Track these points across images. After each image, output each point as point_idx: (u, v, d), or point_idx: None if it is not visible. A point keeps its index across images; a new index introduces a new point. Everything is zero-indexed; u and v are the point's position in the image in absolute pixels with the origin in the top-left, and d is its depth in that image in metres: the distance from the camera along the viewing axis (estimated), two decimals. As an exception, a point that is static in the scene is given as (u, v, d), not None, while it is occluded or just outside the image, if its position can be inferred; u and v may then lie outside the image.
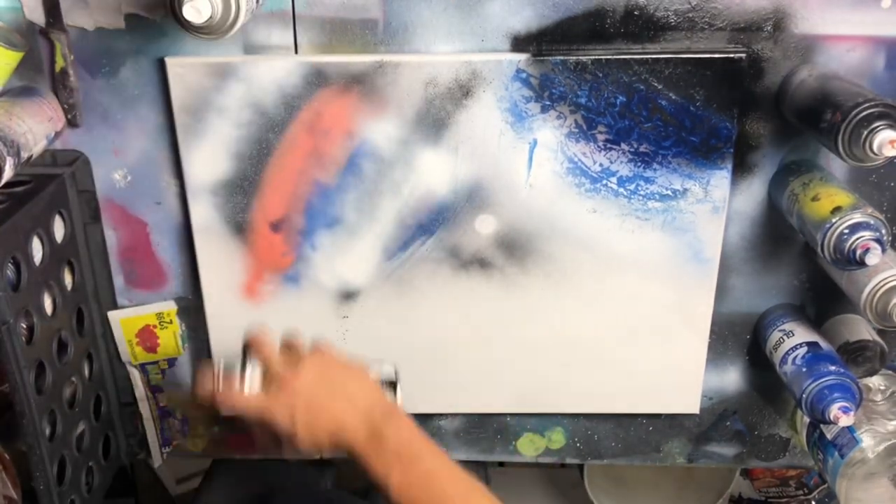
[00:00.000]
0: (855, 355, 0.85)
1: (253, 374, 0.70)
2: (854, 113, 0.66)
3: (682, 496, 1.38)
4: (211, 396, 0.69)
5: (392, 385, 0.75)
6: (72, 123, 0.81)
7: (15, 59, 0.76)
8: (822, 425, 0.87)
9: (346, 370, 0.71)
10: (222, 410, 0.69)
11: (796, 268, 0.87)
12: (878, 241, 0.69)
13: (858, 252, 0.69)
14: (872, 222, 0.70)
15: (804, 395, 0.79)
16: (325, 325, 0.89)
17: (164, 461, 0.99)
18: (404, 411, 0.69)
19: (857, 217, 0.70)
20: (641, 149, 0.80)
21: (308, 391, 0.67)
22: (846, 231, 0.70)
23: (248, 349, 0.72)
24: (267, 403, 0.68)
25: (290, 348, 0.72)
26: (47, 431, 0.79)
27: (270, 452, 0.71)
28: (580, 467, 1.33)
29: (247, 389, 0.69)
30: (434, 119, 0.79)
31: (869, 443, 0.83)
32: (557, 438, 0.98)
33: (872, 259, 0.69)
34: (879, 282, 0.73)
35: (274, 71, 0.78)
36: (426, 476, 0.64)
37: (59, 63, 0.78)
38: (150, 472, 1.73)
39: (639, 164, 0.80)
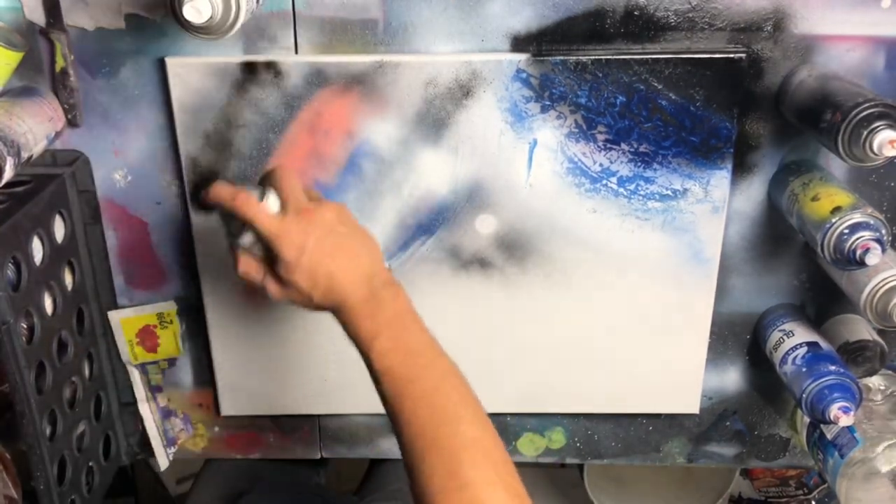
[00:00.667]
0: (855, 355, 0.85)
1: (271, 198, 0.66)
2: (854, 113, 0.66)
3: (682, 496, 1.39)
4: (230, 196, 0.65)
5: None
6: (72, 123, 0.81)
7: (15, 59, 0.76)
8: (822, 425, 0.87)
9: (362, 229, 0.68)
10: (238, 211, 0.65)
11: (796, 268, 0.87)
12: (878, 241, 0.69)
13: (858, 252, 0.69)
14: (872, 222, 0.70)
15: (804, 395, 0.79)
16: (326, 325, 0.89)
17: (169, 462, 0.99)
18: (402, 287, 0.66)
19: (857, 217, 0.70)
20: (641, 149, 0.80)
21: (326, 228, 0.64)
22: (846, 231, 0.70)
23: (267, 180, 0.67)
24: (283, 223, 0.64)
25: (310, 193, 0.69)
26: (47, 431, 0.79)
27: (255, 290, 0.67)
28: (580, 467, 1.33)
29: (265, 206, 0.65)
30: (434, 119, 0.79)
31: (869, 443, 0.83)
32: (557, 438, 0.98)
33: (872, 259, 0.69)
34: (879, 282, 0.73)
35: (274, 71, 0.78)
36: (411, 348, 0.63)
37: (60, 63, 0.79)
38: (150, 472, 1.73)
39: (639, 164, 0.80)
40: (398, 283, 0.67)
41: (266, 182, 0.68)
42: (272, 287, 0.66)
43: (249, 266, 0.67)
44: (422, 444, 0.58)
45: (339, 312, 0.65)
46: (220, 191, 0.66)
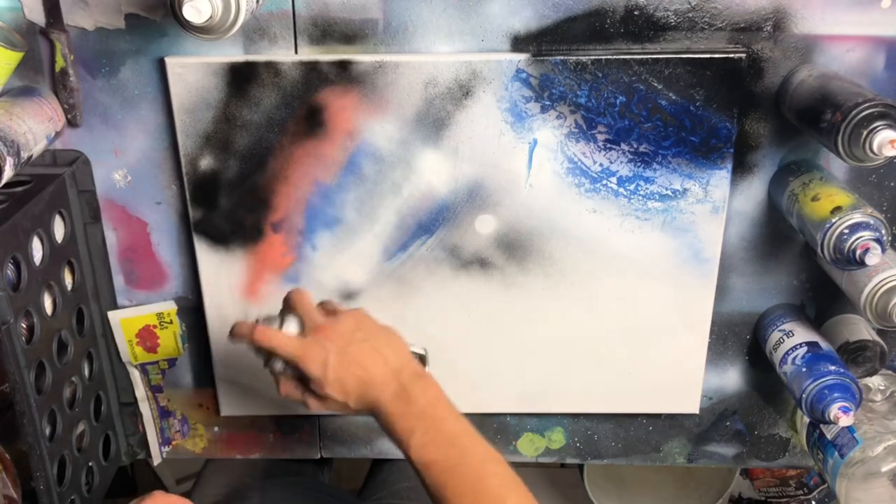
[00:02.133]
0: (855, 355, 0.85)
1: (291, 323, 0.71)
2: (854, 113, 0.66)
3: (682, 496, 1.39)
4: (249, 332, 0.69)
5: (421, 359, 0.74)
6: (72, 123, 0.81)
7: (15, 59, 0.76)
8: (821, 425, 0.87)
9: (382, 329, 0.71)
10: (258, 343, 0.69)
11: (796, 268, 0.87)
12: (878, 241, 0.69)
13: (858, 252, 0.69)
14: (872, 222, 0.70)
15: (804, 395, 0.79)
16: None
17: (163, 460, 0.99)
18: (432, 377, 0.69)
19: (857, 217, 0.70)
20: (641, 149, 0.80)
21: (344, 339, 0.68)
22: (846, 231, 0.70)
23: (286, 305, 0.72)
24: (302, 345, 0.68)
25: (327, 306, 0.73)
26: (47, 431, 0.79)
27: (293, 402, 0.71)
28: (580, 467, 1.33)
29: (285, 331, 0.70)
30: (434, 119, 0.79)
31: (869, 443, 0.83)
32: (557, 438, 0.98)
33: (872, 259, 0.69)
34: (879, 282, 0.73)
35: (274, 71, 0.78)
36: (447, 438, 0.64)
37: (60, 63, 0.79)
38: (150, 472, 1.73)
39: (639, 164, 0.80)
40: (427, 374, 0.69)
41: (284, 307, 0.72)
42: (312, 402, 0.70)
43: (289, 388, 0.70)
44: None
45: (376, 414, 0.68)
46: (240, 329, 0.70)
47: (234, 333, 0.71)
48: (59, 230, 0.81)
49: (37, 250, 0.76)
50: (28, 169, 0.77)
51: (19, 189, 0.77)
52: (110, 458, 0.93)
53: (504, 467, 0.64)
